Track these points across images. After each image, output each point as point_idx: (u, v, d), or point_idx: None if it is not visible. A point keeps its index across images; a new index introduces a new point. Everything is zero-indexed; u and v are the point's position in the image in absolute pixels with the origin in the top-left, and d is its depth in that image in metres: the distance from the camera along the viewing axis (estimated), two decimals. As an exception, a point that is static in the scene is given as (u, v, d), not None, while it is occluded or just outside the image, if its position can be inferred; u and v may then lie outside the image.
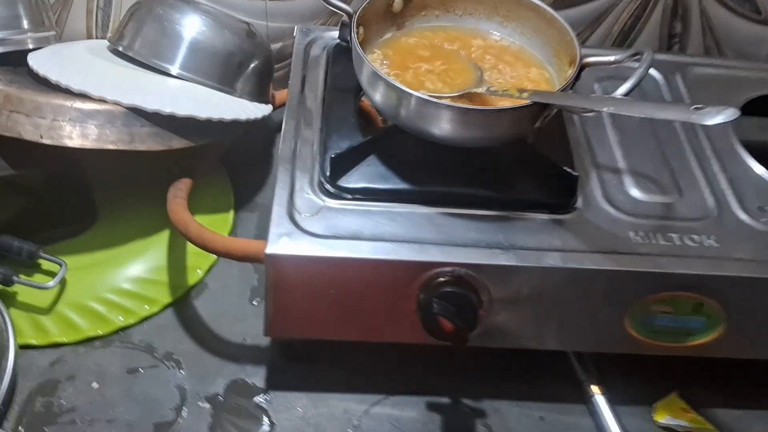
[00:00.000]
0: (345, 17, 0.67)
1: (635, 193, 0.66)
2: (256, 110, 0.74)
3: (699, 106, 0.48)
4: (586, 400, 0.65)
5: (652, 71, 0.79)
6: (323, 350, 0.67)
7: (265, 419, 0.62)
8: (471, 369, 0.67)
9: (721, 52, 0.90)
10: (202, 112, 0.68)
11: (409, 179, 0.64)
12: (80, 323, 0.65)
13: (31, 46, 0.73)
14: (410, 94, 0.59)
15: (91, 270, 0.68)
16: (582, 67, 0.63)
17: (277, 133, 0.85)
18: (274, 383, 0.65)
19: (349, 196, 0.63)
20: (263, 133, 0.86)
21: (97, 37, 0.86)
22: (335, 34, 0.79)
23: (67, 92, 0.66)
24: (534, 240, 0.60)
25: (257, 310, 0.69)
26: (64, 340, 0.65)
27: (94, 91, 0.65)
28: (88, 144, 0.64)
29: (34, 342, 0.64)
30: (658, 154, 0.70)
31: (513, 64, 0.71)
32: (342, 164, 0.64)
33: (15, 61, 0.71)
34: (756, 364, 0.66)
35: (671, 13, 0.85)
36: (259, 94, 0.77)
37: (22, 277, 0.66)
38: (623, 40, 0.88)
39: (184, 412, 0.62)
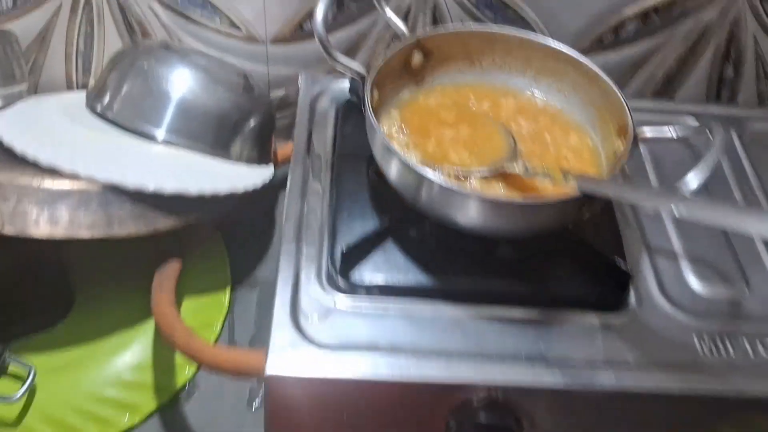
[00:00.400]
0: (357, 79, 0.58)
1: (695, 284, 0.56)
2: (256, 177, 0.65)
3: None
4: None
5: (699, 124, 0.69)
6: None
7: None
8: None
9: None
10: (193, 186, 0.58)
11: (432, 271, 0.55)
12: (52, 440, 0.56)
13: (-3, 105, 0.64)
14: (431, 181, 0.50)
15: (66, 372, 0.59)
16: (636, 141, 0.54)
17: (280, 190, 0.76)
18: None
19: (364, 292, 0.54)
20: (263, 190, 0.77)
21: (77, 84, 0.77)
22: (345, 84, 0.70)
23: (35, 166, 0.57)
24: (581, 350, 0.51)
25: (257, 417, 0.60)
26: (34, 459, 0.56)
27: (66, 165, 0.56)
28: (58, 232, 0.55)
29: (-3, 460, 0.55)
30: (718, 233, 0.60)
31: (550, 129, 0.61)
32: (354, 255, 0.55)
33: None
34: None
35: (722, 56, 0.76)
36: (259, 157, 0.68)
37: (-17, 385, 0.57)
38: (667, 84, 0.79)
39: None
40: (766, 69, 0.76)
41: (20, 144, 0.58)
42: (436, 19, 0.72)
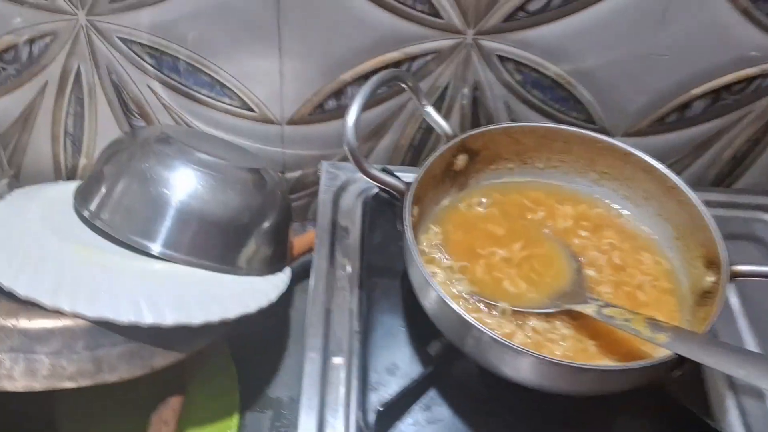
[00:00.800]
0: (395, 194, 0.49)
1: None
2: (269, 289, 0.56)
3: None
4: None
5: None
6: None
7: None
8: None
9: None
10: (197, 313, 0.49)
11: (483, 427, 0.46)
12: None
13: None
14: (480, 330, 0.41)
15: None
16: (732, 278, 0.45)
17: (294, 286, 0.67)
18: None
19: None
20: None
21: (66, 166, 0.68)
22: (372, 175, 0.60)
23: (10, 298, 0.48)
24: None
25: None
26: None
27: (47, 298, 0.47)
28: (36, 385, 0.46)
29: None
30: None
31: (618, 246, 0.52)
32: (391, 414, 0.45)
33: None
34: None
35: (800, 139, 0.66)
36: (273, 261, 0.58)
37: None
38: (733, 167, 0.69)
39: None
40: None
41: (-8, 269, 0.49)
42: (476, 100, 0.63)
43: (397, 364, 0.50)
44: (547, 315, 0.46)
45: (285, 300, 0.67)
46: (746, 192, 0.67)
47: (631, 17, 0.56)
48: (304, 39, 0.58)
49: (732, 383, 0.50)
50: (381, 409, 0.44)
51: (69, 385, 0.46)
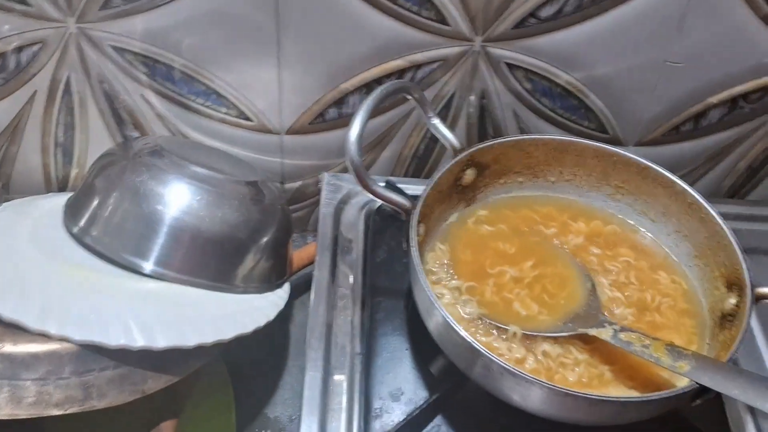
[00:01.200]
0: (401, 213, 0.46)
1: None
2: (268, 308, 0.54)
3: None
4: None
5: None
6: None
7: None
8: None
9: None
10: (191, 336, 0.47)
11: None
12: None
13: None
14: (490, 359, 0.39)
15: None
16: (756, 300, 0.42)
17: (293, 299, 0.64)
18: None
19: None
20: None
21: (57, 176, 0.65)
22: (375, 188, 0.58)
23: (-6, 320, 0.45)
24: None
25: None
26: None
27: (33, 321, 0.45)
28: (21, 413, 0.43)
29: None
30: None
31: (635, 264, 0.49)
32: (397, 442, 0.43)
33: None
34: None
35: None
36: (272, 276, 0.56)
37: None
38: (749, 178, 0.67)
39: None
40: None
41: (-24, 290, 0.46)
42: (483, 109, 0.60)
43: (402, 389, 0.47)
44: (558, 338, 0.44)
45: (284, 314, 0.65)
46: (763, 204, 0.64)
47: (648, 24, 0.54)
48: (304, 46, 0.56)
49: (752, 408, 0.48)
50: (385, 439, 0.42)
51: (56, 412, 0.44)
